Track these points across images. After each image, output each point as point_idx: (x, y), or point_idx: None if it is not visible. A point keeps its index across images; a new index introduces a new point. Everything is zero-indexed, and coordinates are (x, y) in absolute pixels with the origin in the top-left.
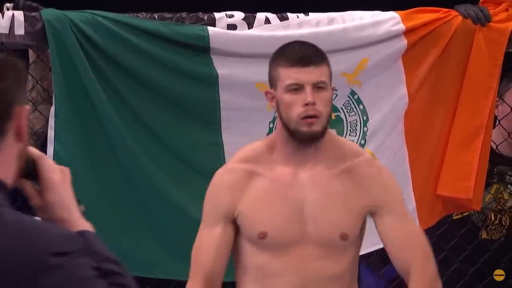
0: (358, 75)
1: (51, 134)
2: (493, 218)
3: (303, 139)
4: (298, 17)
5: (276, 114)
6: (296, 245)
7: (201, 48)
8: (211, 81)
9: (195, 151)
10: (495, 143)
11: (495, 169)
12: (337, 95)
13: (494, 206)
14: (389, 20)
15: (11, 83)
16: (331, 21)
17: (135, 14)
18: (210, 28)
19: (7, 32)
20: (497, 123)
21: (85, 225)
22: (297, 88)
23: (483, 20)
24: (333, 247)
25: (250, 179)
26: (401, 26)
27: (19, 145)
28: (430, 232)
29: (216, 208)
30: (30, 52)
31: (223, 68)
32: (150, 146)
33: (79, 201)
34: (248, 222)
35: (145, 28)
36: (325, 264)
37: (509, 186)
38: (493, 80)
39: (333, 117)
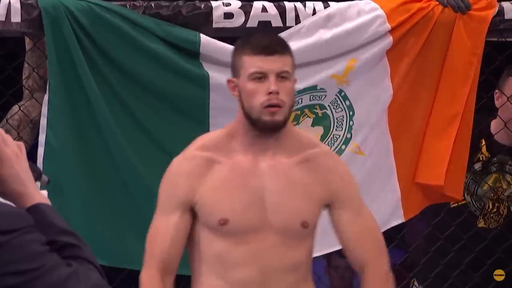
0: (347, 76)
1: (43, 121)
2: (491, 207)
3: (265, 128)
4: (295, 6)
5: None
6: (257, 233)
7: (191, 52)
8: (202, 82)
9: (182, 147)
10: (492, 133)
11: (494, 158)
12: (326, 95)
13: (492, 195)
14: (375, 20)
15: None
16: (327, 20)
17: (132, 2)
18: (202, 36)
19: (3, 19)
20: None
21: (40, 198)
22: (260, 76)
23: (463, 8)
24: (293, 235)
25: (209, 166)
26: (387, 26)
27: None
28: (425, 221)
29: (173, 195)
30: (27, 39)
31: (213, 71)
32: (138, 139)
33: (42, 173)
34: (208, 209)
35: (139, 23)
36: (285, 253)
37: (507, 175)
38: (471, 69)
39: (320, 115)
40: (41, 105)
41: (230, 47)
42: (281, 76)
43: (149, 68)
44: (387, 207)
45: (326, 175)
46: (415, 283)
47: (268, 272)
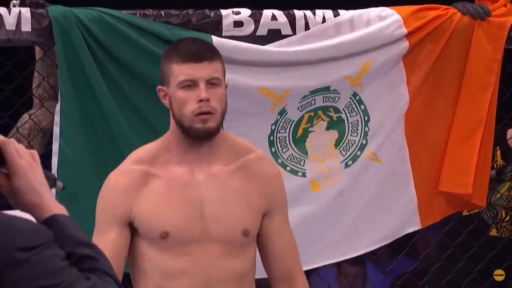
0: (361, 78)
1: (56, 130)
2: (503, 215)
3: (198, 136)
4: (305, 14)
5: (278, 117)
6: (198, 244)
7: None
8: None
9: None
10: (507, 141)
11: (509, 167)
12: (339, 97)
13: (505, 203)
14: (392, 24)
15: None
16: (338, 27)
17: (141, 11)
18: (213, 37)
19: (14, 28)
20: None
21: (57, 208)
22: (190, 84)
23: (482, 14)
24: (235, 244)
25: (146, 180)
26: (403, 30)
27: None
28: (437, 229)
29: (110, 211)
30: (37, 48)
31: (226, 73)
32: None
33: (56, 179)
34: (147, 223)
35: (149, 30)
36: (228, 263)
37: None
38: (492, 75)
39: (335, 118)
40: (52, 114)
41: (243, 44)
42: (211, 83)
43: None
44: (403, 214)
45: (263, 182)
46: None
47: (212, 283)
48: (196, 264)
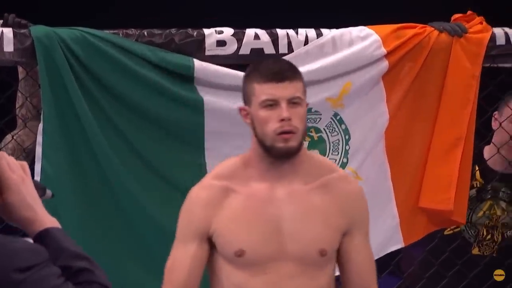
0: (342, 99)
1: (39, 150)
2: (485, 234)
3: (279, 155)
4: (287, 33)
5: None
6: (274, 263)
7: (186, 77)
8: (197, 106)
9: (179, 172)
10: (485, 159)
11: (488, 185)
12: (320, 118)
13: (487, 222)
14: (372, 45)
15: None
16: (321, 48)
17: (124, 31)
18: (195, 60)
19: None
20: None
21: (50, 221)
22: (272, 104)
23: (459, 32)
24: (311, 263)
25: (226, 195)
26: (383, 50)
27: None
28: (420, 247)
29: (191, 225)
30: (20, 68)
31: (208, 95)
32: (134, 165)
33: (45, 188)
34: (224, 240)
35: (132, 50)
36: (303, 282)
37: (501, 202)
38: (471, 91)
39: (316, 138)
40: (34, 134)
41: (224, 70)
42: (293, 102)
43: (144, 95)
44: (386, 232)
45: (346, 201)
46: None
47: None
48: (271, 283)
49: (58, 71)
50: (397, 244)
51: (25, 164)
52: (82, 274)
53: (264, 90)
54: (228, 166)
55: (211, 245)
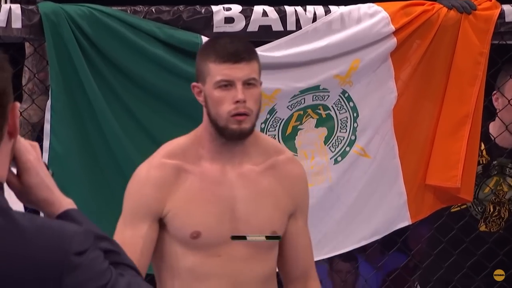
0: (350, 76)
1: (47, 127)
2: (491, 210)
3: (232, 137)
4: (296, 10)
5: (268, 116)
6: (228, 245)
7: (193, 54)
8: None
9: None
10: (493, 136)
11: (494, 162)
12: (329, 95)
13: (493, 198)
14: (380, 22)
15: (5, 84)
16: (329, 25)
17: (132, 8)
18: (203, 37)
19: (4, 25)
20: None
21: (67, 203)
22: (227, 84)
23: (468, 8)
24: (263, 246)
25: (178, 175)
26: (391, 27)
27: (11, 143)
28: (427, 225)
29: (142, 205)
30: (27, 44)
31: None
32: (142, 142)
33: (47, 167)
34: (179, 221)
35: (140, 27)
36: (255, 265)
37: (508, 178)
38: (479, 69)
39: (324, 116)
40: (41, 109)
41: None
42: (248, 83)
43: (151, 71)
44: (393, 210)
45: (293, 184)
46: (417, 286)
47: (240, 285)
48: (225, 265)
49: (65, 47)
50: (405, 221)
51: (36, 144)
52: (109, 256)
53: (219, 71)
54: (178, 145)
55: (161, 227)
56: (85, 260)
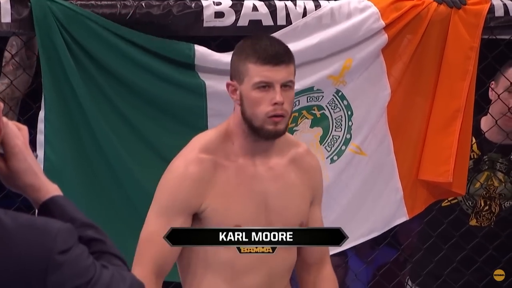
0: (343, 76)
1: (41, 138)
2: (482, 205)
3: (268, 137)
4: (286, 5)
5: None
6: None
7: (187, 64)
8: (199, 90)
9: None
10: (483, 130)
11: (485, 157)
12: (323, 96)
13: (484, 193)
14: (369, 18)
15: None
16: (319, 20)
17: (122, 2)
18: (196, 48)
19: None
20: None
21: (53, 189)
22: (265, 85)
23: (457, 3)
24: None
25: (215, 171)
26: (381, 23)
27: None
28: (418, 219)
29: (179, 199)
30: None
31: (210, 79)
32: (138, 149)
33: (33, 151)
34: (219, 215)
35: (130, 39)
36: (286, 255)
37: (498, 173)
38: (469, 63)
39: (318, 116)
40: (24, 85)
41: (227, 58)
42: (286, 85)
43: (144, 78)
44: (391, 206)
45: (312, 175)
46: (408, 281)
47: (274, 276)
48: (261, 258)
49: (58, 57)
50: (402, 217)
51: (25, 128)
52: (94, 244)
53: (259, 72)
54: (211, 140)
55: (194, 221)
56: (69, 258)
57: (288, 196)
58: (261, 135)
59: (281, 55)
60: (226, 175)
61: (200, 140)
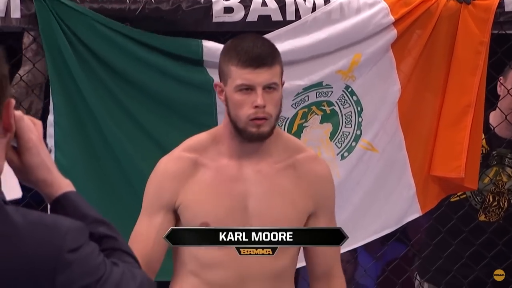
0: (352, 71)
1: (50, 142)
2: (491, 200)
3: (251, 139)
4: (295, 0)
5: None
6: None
7: (195, 60)
8: (208, 87)
9: None
10: (492, 126)
11: (494, 152)
12: (332, 91)
13: (493, 188)
14: (379, 13)
15: (1, 79)
16: (328, 15)
17: None
18: (204, 43)
19: (3, 15)
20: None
21: (66, 184)
22: (247, 88)
23: None
24: None
25: (195, 169)
26: (391, 18)
27: (7, 138)
28: (427, 215)
29: (158, 196)
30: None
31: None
32: (148, 150)
33: (46, 144)
34: (189, 212)
35: (138, 38)
36: (266, 261)
37: (507, 168)
38: (479, 58)
39: (328, 111)
40: (42, 73)
41: None
42: (269, 87)
43: (153, 77)
44: (403, 202)
45: (312, 183)
46: (417, 276)
47: (247, 278)
48: (232, 258)
49: (64, 60)
50: (415, 213)
51: (39, 123)
52: (106, 241)
53: (240, 75)
54: (198, 140)
55: (176, 217)
56: (79, 256)
57: (273, 200)
58: (245, 137)
59: (262, 58)
60: (206, 173)
61: (189, 140)
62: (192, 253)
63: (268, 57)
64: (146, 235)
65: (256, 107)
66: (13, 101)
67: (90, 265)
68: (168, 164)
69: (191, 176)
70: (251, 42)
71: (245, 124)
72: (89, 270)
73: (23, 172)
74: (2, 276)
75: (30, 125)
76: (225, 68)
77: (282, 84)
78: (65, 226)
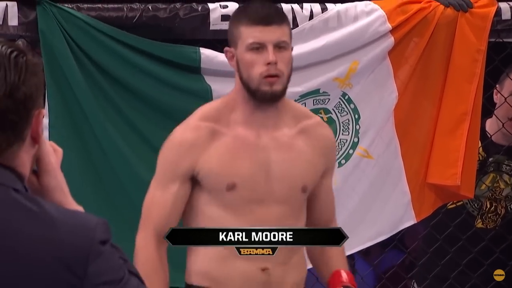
0: (349, 78)
1: None
2: (488, 207)
3: (264, 99)
4: (292, 8)
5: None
6: (262, 203)
7: (192, 68)
8: (205, 95)
9: None
10: (489, 133)
11: (491, 158)
12: (329, 99)
13: (490, 195)
14: (376, 21)
15: (33, 89)
16: (326, 23)
17: (129, 5)
18: (202, 50)
19: (0, 22)
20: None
21: (78, 208)
22: (258, 47)
23: (464, 6)
24: (296, 204)
25: (212, 137)
26: (388, 26)
27: (35, 148)
28: (424, 222)
29: (175, 165)
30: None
31: (216, 83)
32: (146, 156)
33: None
34: (213, 176)
35: (135, 45)
36: (288, 223)
37: (504, 175)
38: (476, 66)
39: (325, 119)
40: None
41: None
42: (279, 46)
43: (151, 85)
44: (398, 210)
45: (323, 145)
46: (414, 284)
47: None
48: (258, 224)
49: (60, 65)
50: (410, 220)
51: (60, 150)
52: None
53: (251, 33)
54: (213, 108)
55: (193, 184)
56: (107, 250)
57: (293, 163)
58: (258, 97)
59: (272, 16)
60: (225, 141)
61: (203, 108)
62: (216, 223)
63: (277, 15)
64: (162, 203)
65: (268, 64)
66: (43, 112)
67: (115, 263)
68: (185, 133)
69: (210, 144)
70: (259, 3)
71: (258, 83)
72: (114, 266)
73: (40, 194)
74: (34, 259)
75: (50, 149)
76: (234, 31)
77: (291, 49)
78: (94, 219)
